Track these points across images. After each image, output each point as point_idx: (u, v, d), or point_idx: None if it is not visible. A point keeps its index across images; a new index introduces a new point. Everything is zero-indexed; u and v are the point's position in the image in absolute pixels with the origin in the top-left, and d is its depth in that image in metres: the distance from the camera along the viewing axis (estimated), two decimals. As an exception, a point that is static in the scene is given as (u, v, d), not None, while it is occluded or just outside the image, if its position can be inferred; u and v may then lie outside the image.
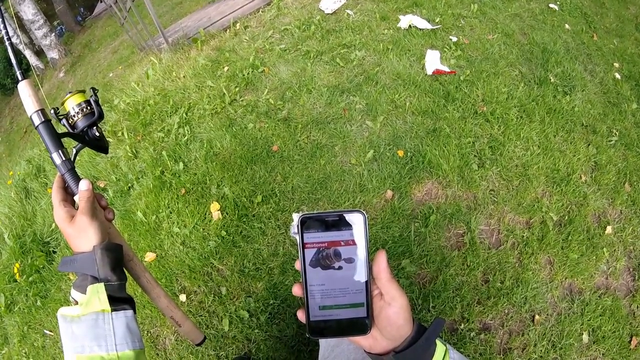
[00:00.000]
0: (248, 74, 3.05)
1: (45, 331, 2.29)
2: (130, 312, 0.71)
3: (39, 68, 11.05)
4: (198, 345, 0.89)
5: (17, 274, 2.58)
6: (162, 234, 2.27)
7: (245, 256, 2.05)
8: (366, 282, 0.55)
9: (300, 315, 0.56)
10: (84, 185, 0.75)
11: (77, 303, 0.70)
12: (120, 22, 5.30)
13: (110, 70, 6.22)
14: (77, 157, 0.81)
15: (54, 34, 9.44)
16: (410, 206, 2.13)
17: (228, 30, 3.74)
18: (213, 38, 3.68)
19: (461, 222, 2.10)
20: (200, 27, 3.80)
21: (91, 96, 0.84)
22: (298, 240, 0.55)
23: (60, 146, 0.77)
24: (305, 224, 0.54)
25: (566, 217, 2.19)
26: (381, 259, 0.55)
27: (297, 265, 0.56)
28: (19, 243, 2.75)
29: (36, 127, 0.77)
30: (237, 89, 2.95)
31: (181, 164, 2.51)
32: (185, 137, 2.70)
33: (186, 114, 2.90)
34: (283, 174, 2.33)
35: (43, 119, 0.77)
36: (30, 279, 2.53)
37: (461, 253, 2.00)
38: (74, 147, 0.83)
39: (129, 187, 2.59)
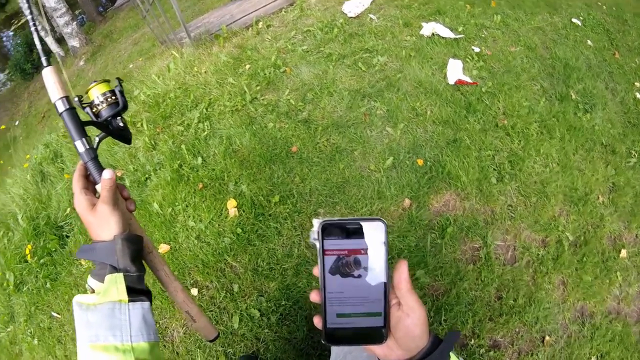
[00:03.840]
0: (269, 73, 3.05)
1: (53, 313, 2.31)
2: (147, 304, 0.69)
3: (60, 55, 11.12)
4: (211, 341, 0.88)
5: (29, 255, 2.61)
6: (177, 226, 2.29)
7: (259, 255, 2.05)
8: (385, 291, 0.55)
9: (317, 321, 0.56)
10: (107, 174, 0.74)
11: (93, 291, 0.69)
12: (142, 14, 5.32)
13: (130, 62, 6.24)
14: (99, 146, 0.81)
15: (75, 22, 9.50)
16: (427, 216, 2.12)
17: (250, 28, 3.75)
18: (235, 35, 3.69)
19: (478, 236, 2.08)
20: (223, 24, 3.80)
21: (116, 86, 0.83)
22: (318, 247, 0.54)
23: (83, 134, 0.76)
24: (326, 230, 0.54)
25: (582, 238, 2.17)
26: (402, 269, 0.55)
27: (315, 271, 0.55)
28: (32, 225, 2.78)
29: (60, 114, 0.76)
30: (258, 87, 2.96)
31: (200, 159, 2.53)
32: (205, 133, 2.71)
33: (206, 109, 2.91)
34: (301, 175, 2.33)
35: (68, 106, 0.76)
36: (42, 261, 2.56)
37: (476, 267, 1.99)
38: (96, 136, 0.82)
39: (146, 178, 2.61)
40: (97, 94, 0.81)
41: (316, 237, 0.55)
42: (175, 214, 2.35)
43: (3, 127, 9.73)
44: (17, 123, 9.82)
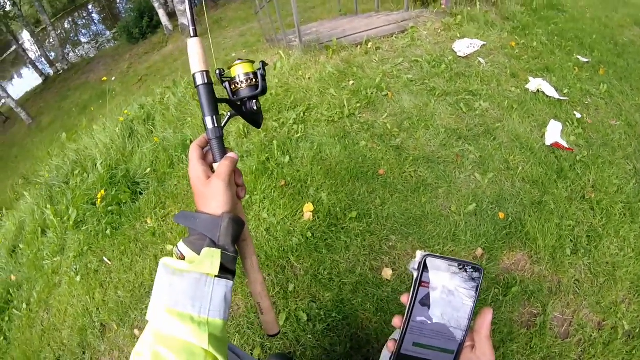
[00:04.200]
0: (371, 93, 3.13)
1: (105, 258, 2.47)
2: (231, 283, 0.69)
3: (168, 29, 11.92)
4: (272, 336, 0.88)
5: (99, 200, 2.79)
6: (250, 214, 2.40)
7: (322, 263, 2.11)
8: (465, 332, 0.59)
9: (391, 345, 0.61)
10: (232, 154, 0.77)
11: (182, 257, 0.70)
12: (256, 10, 5.59)
13: (233, 51, 6.58)
14: (226, 126, 0.81)
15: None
16: (495, 271, 2.11)
17: (359, 46, 3.86)
18: (344, 50, 3.81)
19: (539, 302, 2.04)
20: (334, 37, 3.94)
21: (259, 69, 0.82)
22: (415, 277, 0.59)
23: (215, 112, 0.77)
24: (428, 264, 0.58)
25: (637, 330, 2.05)
26: (487, 316, 0.59)
27: (404, 298, 0.60)
28: (109, 174, 2.98)
29: (197, 87, 0.77)
30: (357, 104, 3.05)
31: (287, 158, 2.65)
32: (298, 135, 2.84)
33: (304, 113, 3.04)
34: (382, 198, 2.38)
35: (206, 81, 0.76)
36: (109, 208, 2.74)
37: (529, 333, 1.94)
38: (228, 112, 0.83)
39: (232, 162, 2.75)
40: (240, 72, 0.81)
41: (416, 267, 0.59)
42: (251, 203, 2.46)
43: (105, 78, 10.52)
44: (113, 79, 10.60)
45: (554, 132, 2.88)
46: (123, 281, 2.34)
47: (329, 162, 2.61)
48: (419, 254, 0.60)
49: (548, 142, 2.81)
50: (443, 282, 0.59)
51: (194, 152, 0.77)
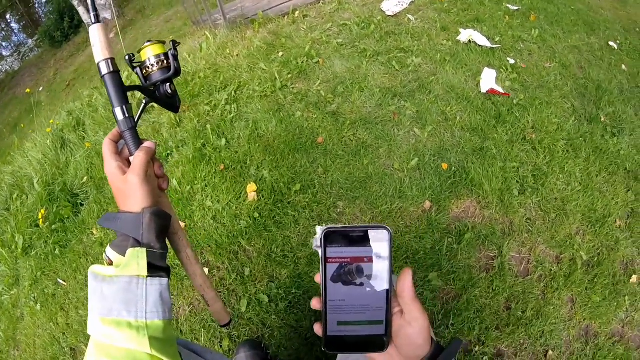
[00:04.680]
0: (302, 62, 3.06)
1: (59, 280, 2.32)
2: (165, 281, 0.66)
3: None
4: (223, 326, 0.86)
5: (41, 220, 2.62)
6: (194, 205, 2.29)
7: (274, 241, 2.05)
8: (387, 300, 0.54)
9: (317, 328, 0.56)
10: (147, 143, 0.72)
11: (111, 262, 0.67)
12: (179, -8, 5.36)
13: (160, 38, 6.32)
14: (142, 115, 0.76)
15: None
16: (446, 220, 2.11)
17: (287, 16, 3.75)
18: (271, 22, 3.70)
19: (494, 245, 2.07)
20: (259, 10, 3.83)
21: (170, 50, 0.77)
22: (320, 254, 0.54)
23: (125, 101, 0.72)
24: (329, 238, 0.53)
25: (595, 259, 2.14)
26: (407, 277, 0.54)
27: (317, 278, 0.55)
28: (47, 190, 2.79)
29: (102, 77, 0.72)
30: (289, 75, 2.96)
31: (224, 140, 2.54)
32: (232, 115, 2.72)
33: (235, 92, 2.92)
34: (325, 166, 2.33)
35: (111, 69, 0.72)
36: (53, 227, 2.57)
37: (489, 276, 1.97)
38: (143, 99, 0.78)
39: (168, 154, 2.62)
40: (150, 54, 0.76)
41: (319, 244, 0.54)
42: (193, 193, 2.35)
43: (28, 90, 9.89)
44: (41, 89, 9.99)
45: (488, 80, 2.90)
46: (82, 299, 2.20)
47: (267, 138, 2.52)
48: (319, 230, 0.55)
49: (483, 89, 2.83)
50: (350, 252, 0.54)
51: (106, 147, 0.72)
